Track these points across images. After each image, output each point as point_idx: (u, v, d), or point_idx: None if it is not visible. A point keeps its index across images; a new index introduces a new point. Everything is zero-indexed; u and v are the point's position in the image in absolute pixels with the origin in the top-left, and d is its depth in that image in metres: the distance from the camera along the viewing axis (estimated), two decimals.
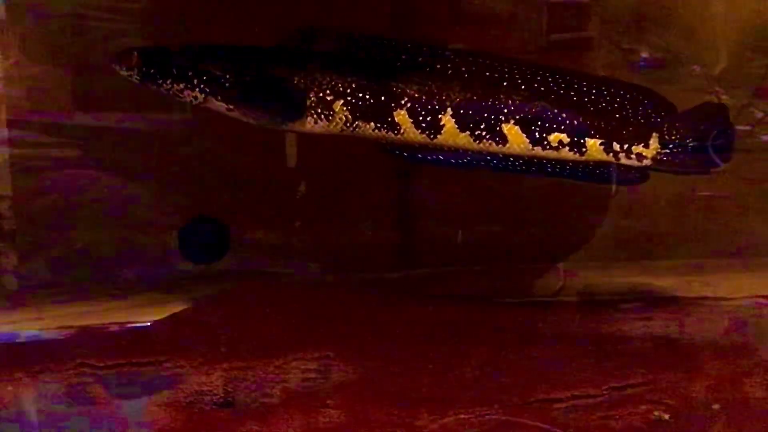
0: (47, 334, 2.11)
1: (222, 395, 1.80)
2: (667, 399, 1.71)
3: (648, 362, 1.86)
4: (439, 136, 2.08)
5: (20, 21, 2.34)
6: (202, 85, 2.08)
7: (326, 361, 1.91)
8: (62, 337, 2.08)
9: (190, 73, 2.08)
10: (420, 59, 2.11)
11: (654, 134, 2.06)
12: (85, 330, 2.10)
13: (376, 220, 2.51)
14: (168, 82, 2.09)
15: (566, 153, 2.08)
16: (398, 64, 2.10)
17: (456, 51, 2.14)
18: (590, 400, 1.72)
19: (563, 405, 1.70)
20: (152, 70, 2.09)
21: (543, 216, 2.51)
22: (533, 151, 2.09)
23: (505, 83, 2.09)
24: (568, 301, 2.28)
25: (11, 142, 2.37)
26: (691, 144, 2.06)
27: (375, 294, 2.24)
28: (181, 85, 2.09)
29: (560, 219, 2.52)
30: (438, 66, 2.11)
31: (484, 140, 2.08)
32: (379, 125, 2.08)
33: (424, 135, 2.08)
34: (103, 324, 2.13)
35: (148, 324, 2.10)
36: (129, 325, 2.12)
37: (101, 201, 2.40)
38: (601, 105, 2.09)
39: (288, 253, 2.46)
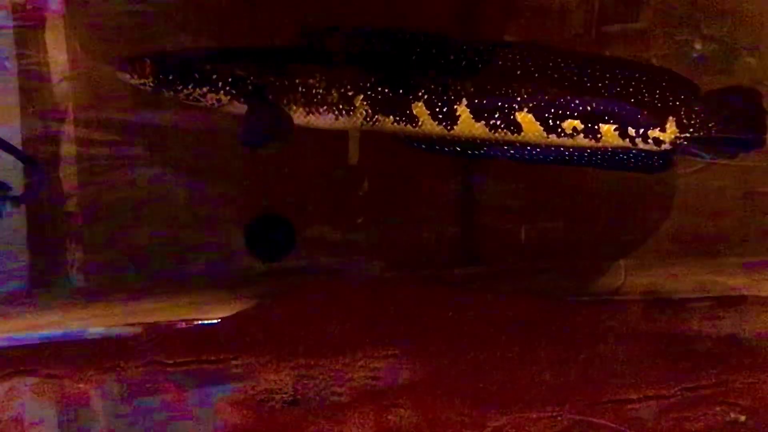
0: (116, 331, 2.13)
1: (292, 393, 1.81)
2: (741, 400, 1.69)
3: (720, 362, 1.84)
4: (455, 127, 2.08)
5: (83, 16, 2.36)
6: (227, 87, 2.09)
7: (394, 360, 1.91)
8: (131, 334, 2.10)
9: (214, 76, 2.09)
10: (434, 51, 2.11)
11: (671, 117, 2.03)
12: (153, 327, 2.11)
13: (437, 216, 2.50)
14: (190, 87, 2.10)
15: (581, 140, 2.06)
16: (413, 56, 2.11)
17: (468, 41, 2.13)
18: (663, 401, 1.70)
19: (636, 405, 1.69)
20: (171, 77, 2.10)
21: (606, 212, 2.49)
22: (548, 139, 2.07)
23: (518, 71, 2.08)
24: (635, 299, 2.26)
25: (78, 140, 2.40)
26: (714, 128, 2.03)
27: (440, 291, 2.23)
28: (204, 89, 2.09)
29: (623, 215, 2.50)
30: (452, 57, 2.11)
31: (500, 129, 2.08)
32: (397, 118, 2.10)
33: (441, 126, 2.09)
34: (172, 321, 2.14)
35: (216, 321, 2.12)
36: (197, 323, 2.14)
37: (167, 198, 2.42)
38: (616, 89, 2.06)
39: (351, 250, 2.47)
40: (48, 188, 2.33)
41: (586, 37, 2.40)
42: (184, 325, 2.13)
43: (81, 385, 1.87)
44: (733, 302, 2.19)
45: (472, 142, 2.11)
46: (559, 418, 1.65)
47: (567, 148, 2.09)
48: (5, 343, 2.07)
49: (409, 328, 2.02)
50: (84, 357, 1.96)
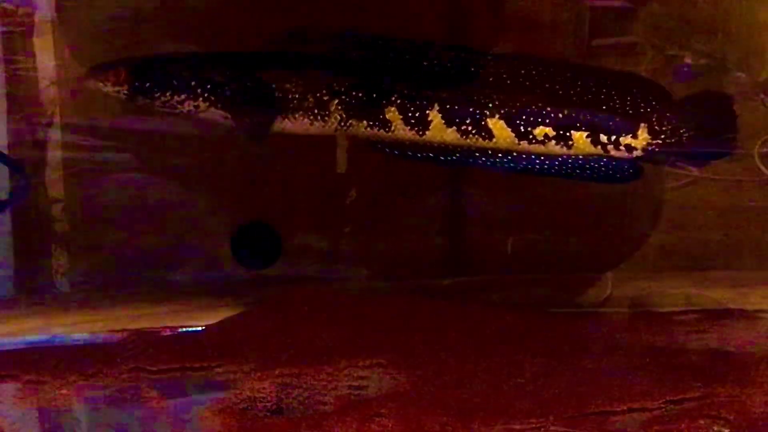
0: (100, 337, 2.12)
1: (275, 402, 1.80)
2: (725, 413, 1.68)
3: (704, 375, 1.83)
4: (427, 132, 2.08)
5: (70, 22, 2.35)
6: (206, 94, 2.07)
7: (378, 369, 1.90)
8: (115, 340, 2.08)
9: (193, 83, 2.07)
10: (407, 56, 2.11)
11: (642, 124, 2.03)
12: (137, 333, 2.10)
13: (425, 226, 2.50)
14: (168, 93, 2.07)
15: (553, 147, 2.06)
16: (387, 61, 2.11)
17: (442, 47, 2.13)
18: (647, 414, 1.70)
19: (620, 418, 1.69)
20: (148, 84, 2.07)
21: (593, 224, 2.49)
22: (520, 146, 2.07)
23: (490, 77, 2.09)
24: (620, 311, 2.25)
25: (64, 146, 2.39)
26: (685, 135, 2.03)
27: (426, 301, 2.22)
28: (182, 96, 2.08)
29: (610, 227, 2.50)
30: (425, 62, 2.11)
31: (471, 135, 2.08)
32: (371, 123, 2.09)
33: (413, 132, 2.08)
34: (156, 328, 2.13)
35: (200, 329, 2.11)
36: (181, 330, 2.13)
37: (152, 205, 2.41)
38: (587, 95, 2.07)
39: (337, 259, 2.46)
40: (33, 193, 2.32)
41: (576, 50, 2.40)
42: (168, 332, 2.13)
43: (63, 391, 1.86)
44: (719, 315, 2.19)
45: (443, 149, 2.11)
46: (542, 429, 1.65)
47: (538, 156, 2.09)
48: None
49: (395, 338, 2.02)
50: (67, 363, 1.95)
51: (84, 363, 1.94)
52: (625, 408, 1.71)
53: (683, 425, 1.65)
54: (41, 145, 2.38)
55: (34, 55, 2.34)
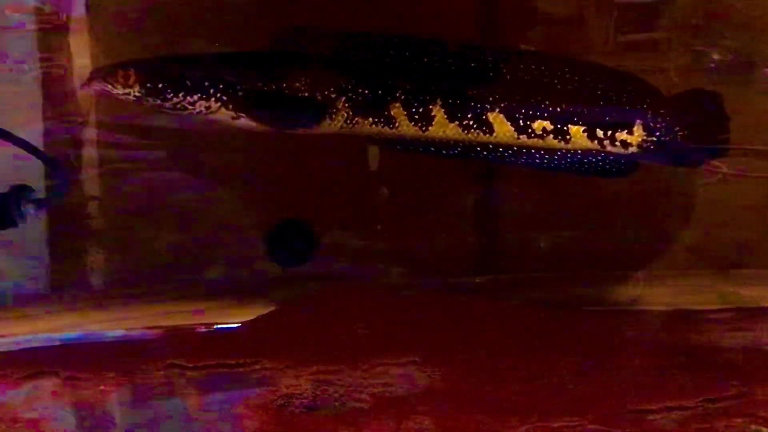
0: (135, 334, 2.14)
1: (311, 399, 1.81)
2: (762, 412, 1.68)
3: (741, 374, 1.83)
4: (430, 128, 2.09)
5: (103, 20, 2.37)
6: (218, 94, 2.07)
7: (413, 367, 1.91)
8: (151, 337, 2.11)
9: (206, 83, 2.07)
10: (410, 53, 2.12)
11: (638, 121, 2.05)
12: (173, 330, 2.12)
13: (457, 223, 2.50)
14: (180, 95, 2.07)
15: (551, 140, 2.08)
16: (390, 58, 2.12)
17: (443, 43, 2.14)
18: (684, 412, 1.70)
19: (657, 416, 1.69)
20: (161, 85, 2.07)
21: (626, 221, 2.49)
22: (519, 140, 2.09)
23: (490, 72, 2.10)
24: (654, 310, 2.25)
25: (100, 143, 2.41)
26: (680, 133, 2.05)
27: (459, 299, 2.23)
28: (195, 97, 2.07)
29: (644, 225, 2.50)
30: (427, 58, 2.12)
31: (473, 130, 2.09)
32: (376, 120, 2.10)
33: (416, 127, 2.09)
34: (191, 325, 2.15)
35: (235, 326, 2.12)
36: (216, 327, 2.15)
37: (186, 202, 2.42)
38: (585, 91, 2.09)
39: (370, 256, 2.47)
40: (70, 191, 2.34)
41: (603, 46, 2.40)
42: (203, 329, 2.14)
43: (101, 387, 1.88)
44: (755, 314, 2.18)
45: (445, 143, 2.12)
46: (579, 427, 1.65)
47: (537, 150, 2.11)
48: (26, 345, 2.09)
49: (429, 336, 2.02)
50: (104, 359, 1.97)
51: (121, 360, 1.96)
52: (661, 406, 1.71)
53: (720, 424, 1.65)
54: (77, 143, 2.40)
55: (69, 54, 2.36)
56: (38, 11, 2.36)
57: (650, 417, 1.68)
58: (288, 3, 2.33)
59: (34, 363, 1.95)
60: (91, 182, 2.41)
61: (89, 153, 2.40)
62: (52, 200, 2.28)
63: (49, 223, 2.40)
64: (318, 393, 1.83)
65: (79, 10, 2.36)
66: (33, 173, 2.30)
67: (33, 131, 2.33)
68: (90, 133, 2.40)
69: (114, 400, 1.87)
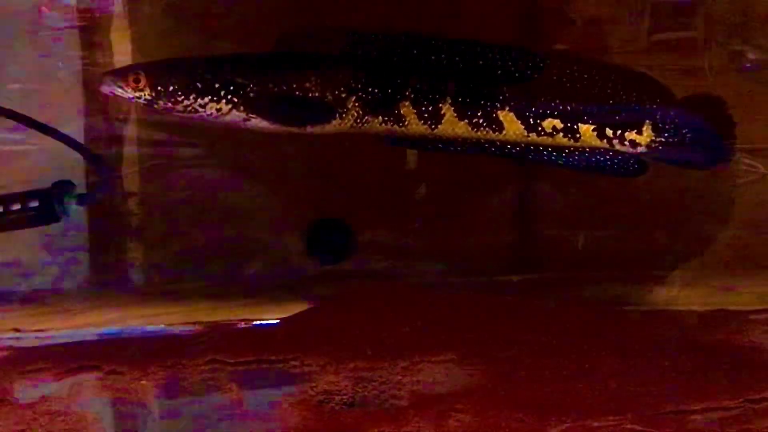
0: (176, 329, 2.16)
1: (351, 395, 1.82)
2: None
3: None
4: (439, 126, 2.10)
5: (140, 17, 2.39)
6: (229, 96, 2.07)
7: (452, 365, 1.91)
8: (191, 333, 2.12)
9: (216, 85, 2.07)
10: (418, 51, 2.12)
11: (647, 121, 2.06)
12: (213, 326, 2.14)
13: (494, 222, 2.50)
14: (191, 97, 2.06)
15: (561, 139, 2.09)
16: (399, 56, 2.12)
17: (451, 41, 2.14)
18: (725, 413, 1.69)
19: (698, 417, 1.68)
20: (171, 88, 2.07)
21: (663, 221, 2.48)
22: (529, 138, 2.10)
23: (499, 70, 2.10)
24: (693, 310, 2.24)
25: (140, 140, 2.43)
26: (688, 135, 2.07)
27: (498, 297, 2.23)
28: (206, 99, 2.07)
29: (681, 224, 2.49)
30: (435, 56, 2.12)
31: (482, 128, 2.10)
32: (386, 118, 2.11)
33: (425, 126, 2.10)
34: (231, 321, 2.17)
35: (275, 322, 2.13)
36: (256, 323, 2.16)
37: (226, 199, 2.44)
38: (595, 90, 2.10)
39: (407, 254, 2.48)
40: (111, 187, 2.36)
41: (637, 45, 2.39)
42: (243, 325, 2.16)
43: (143, 382, 1.89)
44: None
45: (453, 141, 2.13)
46: (619, 427, 1.65)
47: (546, 148, 2.12)
48: (69, 340, 2.11)
49: (467, 334, 2.02)
50: (145, 354, 1.98)
51: (162, 354, 1.97)
52: (702, 407, 1.70)
53: (762, 425, 1.64)
54: (117, 140, 2.42)
55: (111, 51, 2.38)
56: (78, 9, 2.39)
57: (691, 417, 1.68)
58: (322, 2, 2.35)
59: (75, 357, 1.96)
60: (131, 179, 2.43)
61: (129, 150, 2.43)
62: (93, 196, 2.31)
63: (89, 219, 2.43)
64: (357, 390, 1.83)
65: (118, 7, 2.39)
66: (75, 169, 2.34)
67: (74, 128, 2.36)
68: (130, 130, 2.42)
69: (155, 394, 1.89)
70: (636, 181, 2.35)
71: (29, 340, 2.12)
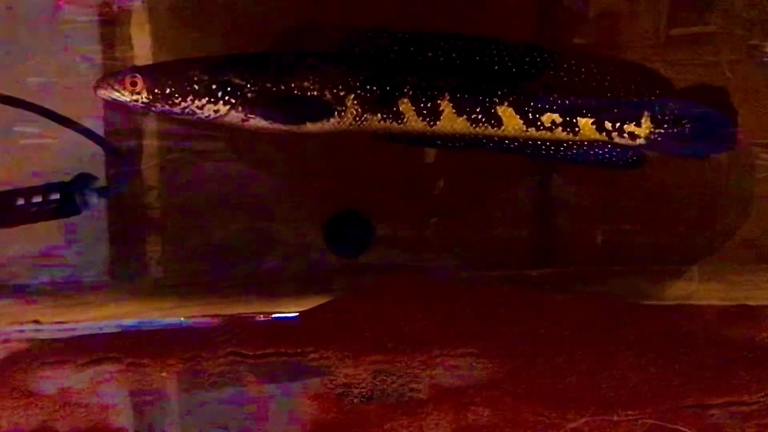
0: (195, 322, 2.17)
1: (370, 388, 1.82)
2: None
3: None
4: (438, 123, 2.09)
5: (167, 10, 2.40)
6: (226, 97, 2.06)
7: (471, 358, 1.91)
8: (211, 326, 2.13)
9: (213, 86, 2.05)
10: (416, 48, 2.12)
11: (646, 113, 2.06)
12: (232, 319, 2.15)
13: (513, 216, 2.50)
14: (188, 99, 2.05)
15: (560, 133, 2.09)
16: (397, 54, 2.11)
17: (448, 36, 2.13)
18: (745, 408, 1.69)
19: (717, 412, 1.68)
20: (168, 90, 2.05)
21: (682, 215, 2.48)
22: (528, 133, 2.09)
23: (496, 65, 2.10)
24: (711, 304, 2.24)
25: (159, 134, 2.44)
26: (687, 125, 2.06)
27: (517, 291, 2.24)
28: (203, 101, 2.05)
29: (700, 219, 2.48)
30: (432, 53, 2.11)
31: (481, 124, 2.09)
32: (384, 116, 2.10)
33: (424, 122, 2.10)
34: (250, 314, 2.18)
35: (294, 315, 2.14)
36: (275, 316, 2.17)
37: (245, 193, 2.45)
38: (593, 83, 2.09)
39: (426, 248, 2.48)
40: (131, 180, 2.37)
41: (654, 39, 2.39)
42: (262, 318, 2.17)
43: (163, 374, 1.90)
44: None
45: (451, 137, 2.13)
46: (640, 421, 1.65)
47: (544, 142, 2.11)
48: (89, 331, 2.12)
49: (487, 328, 2.03)
50: (165, 347, 2.00)
51: (182, 347, 1.98)
52: (722, 402, 1.70)
53: None
54: (137, 133, 2.43)
55: (131, 44, 2.39)
56: (97, 3, 2.39)
57: (711, 412, 1.67)
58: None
59: (96, 349, 1.98)
60: (150, 172, 2.44)
61: (149, 143, 2.43)
62: (114, 189, 2.32)
63: (108, 212, 2.44)
64: (376, 383, 1.84)
65: (137, 1, 2.40)
66: (95, 162, 2.35)
67: (95, 121, 2.37)
68: (150, 123, 2.43)
69: (175, 386, 1.90)
70: (655, 175, 2.36)
71: (49, 331, 2.14)
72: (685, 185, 2.43)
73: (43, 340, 2.08)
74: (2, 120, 2.32)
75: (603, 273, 2.42)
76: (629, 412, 1.67)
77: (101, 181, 2.26)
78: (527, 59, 2.11)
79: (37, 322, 2.17)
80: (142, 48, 2.39)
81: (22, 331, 2.13)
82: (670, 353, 1.91)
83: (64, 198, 2.17)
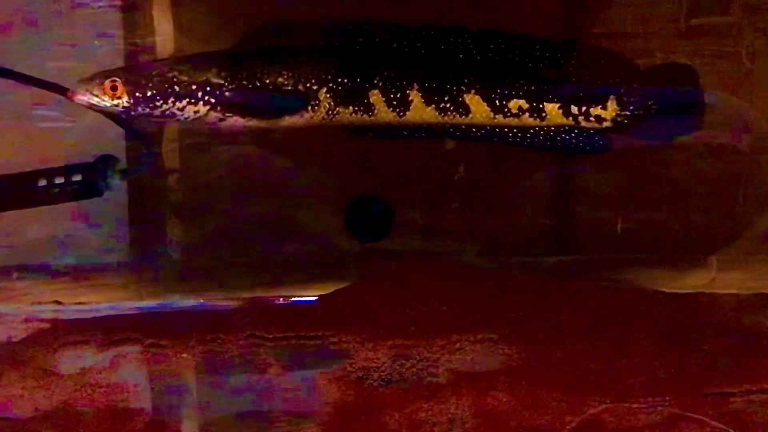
0: (216, 304, 2.18)
1: (389, 372, 1.83)
2: None
3: None
4: (407, 113, 2.09)
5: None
6: (206, 97, 2.03)
7: (490, 344, 1.92)
8: (231, 308, 2.14)
9: (193, 87, 2.02)
10: (380, 38, 2.11)
11: (612, 96, 2.05)
12: (252, 302, 2.15)
13: (532, 203, 2.50)
14: (169, 101, 2.01)
15: (527, 119, 2.09)
16: (365, 45, 2.11)
17: (413, 27, 2.12)
18: (765, 396, 1.69)
19: (737, 399, 1.68)
20: (149, 93, 2.01)
21: (701, 204, 2.47)
22: (495, 120, 2.09)
23: (461, 53, 2.10)
24: (730, 293, 2.23)
25: None
26: (653, 106, 2.05)
27: (537, 278, 2.24)
28: (184, 102, 2.02)
29: (720, 208, 2.48)
30: (397, 43, 2.11)
31: (449, 113, 2.09)
32: (356, 108, 2.09)
33: (394, 113, 2.09)
34: (270, 297, 2.18)
35: (313, 299, 2.15)
36: (294, 300, 2.17)
37: (265, 176, 2.45)
38: (559, 68, 2.09)
39: (445, 234, 2.48)
40: (153, 163, 2.38)
41: (674, 29, 2.38)
42: (282, 301, 2.17)
43: (183, 355, 1.91)
44: None
45: (420, 127, 2.13)
46: (659, 408, 1.65)
47: (512, 128, 2.11)
48: (109, 313, 2.14)
49: (506, 314, 2.03)
50: (185, 328, 2.01)
51: (202, 329, 1.99)
52: (742, 390, 1.70)
53: None
54: None
55: (153, 29, 2.39)
56: None
57: (730, 400, 1.67)
58: None
59: (116, 330, 2.00)
60: (171, 155, 2.45)
61: (170, 126, 2.44)
62: (136, 171, 2.32)
63: (129, 195, 2.45)
64: (395, 367, 1.84)
65: None
66: (116, 144, 2.35)
67: None
68: None
69: (195, 368, 1.91)
70: (673, 164, 2.36)
71: (70, 312, 2.15)
72: (704, 174, 2.42)
73: (64, 321, 2.10)
74: (22, 103, 2.33)
75: (622, 261, 2.42)
76: (649, 400, 1.67)
77: (123, 163, 2.27)
78: (491, 46, 2.11)
79: (58, 302, 2.18)
80: (164, 33, 2.40)
81: (43, 311, 2.14)
82: (689, 341, 1.91)
83: (87, 179, 2.18)
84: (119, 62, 2.38)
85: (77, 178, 2.18)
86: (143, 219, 2.47)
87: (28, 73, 2.20)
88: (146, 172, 2.38)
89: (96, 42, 2.38)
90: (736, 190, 2.46)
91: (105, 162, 2.21)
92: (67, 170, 2.19)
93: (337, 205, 2.45)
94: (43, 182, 2.17)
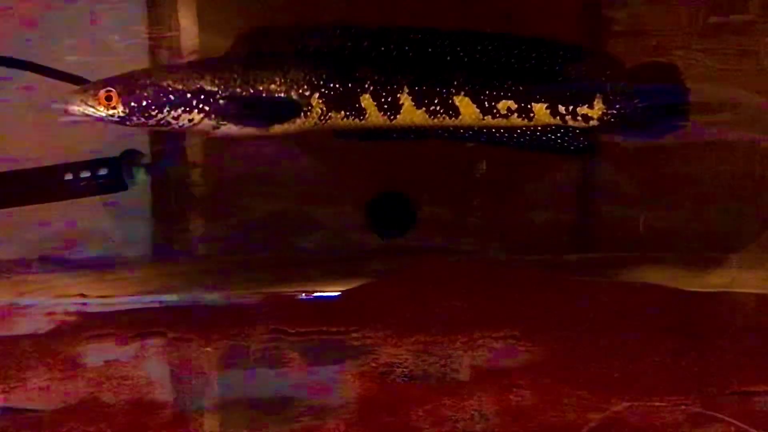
0: (238, 299, 2.19)
1: (412, 368, 1.83)
2: None
3: None
4: (398, 116, 2.09)
5: None
6: (201, 105, 2.02)
7: (513, 341, 1.92)
8: (253, 303, 2.15)
9: (188, 95, 2.01)
10: (370, 42, 2.11)
11: (598, 94, 2.06)
12: (274, 297, 2.16)
13: (554, 201, 2.50)
14: (165, 110, 2.00)
15: (515, 119, 2.09)
16: (355, 50, 2.10)
17: (402, 30, 2.12)
18: None
19: (760, 399, 1.68)
20: (144, 103, 1.99)
21: (724, 203, 2.47)
22: (484, 121, 2.10)
23: (449, 56, 2.10)
24: (751, 293, 2.23)
25: None
26: (638, 104, 2.06)
27: (558, 275, 2.24)
28: (179, 111, 2.01)
29: (741, 207, 2.47)
30: (386, 47, 2.11)
31: (439, 115, 2.09)
32: (347, 113, 2.08)
33: (385, 117, 2.09)
34: (292, 292, 2.19)
35: (335, 295, 2.16)
36: (317, 295, 2.18)
37: (288, 172, 2.46)
38: (545, 68, 2.09)
39: (467, 231, 2.48)
40: (177, 158, 2.39)
41: (692, 27, 2.37)
42: (304, 296, 2.18)
43: (207, 349, 1.93)
44: None
45: (409, 129, 2.13)
46: (683, 407, 1.65)
47: (499, 129, 2.12)
48: (133, 306, 2.15)
49: (528, 311, 2.03)
50: (208, 323, 2.02)
51: (225, 323, 2.00)
52: (765, 389, 1.69)
53: None
54: None
55: (178, 24, 2.40)
56: None
57: (755, 399, 1.67)
58: None
59: (140, 323, 2.01)
60: (194, 150, 2.46)
61: None
62: (161, 166, 2.34)
63: (152, 189, 2.46)
64: (418, 363, 1.85)
65: None
66: (140, 139, 2.37)
67: None
68: None
69: (218, 362, 1.92)
70: (695, 162, 2.35)
71: (95, 305, 2.16)
72: (726, 174, 2.42)
73: (89, 314, 2.11)
74: (42, 97, 2.34)
75: (643, 259, 2.42)
76: (672, 398, 1.67)
77: (148, 158, 2.29)
78: (479, 48, 2.11)
79: (82, 295, 2.20)
80: (188, 28, 2.41)
81: (68, 304, 2.16)
82: (711, 340, 1.91)
83: (112, 173, 2.20)
84: (143, 57, 2.40)
85: (103, 172, 2.20)
86: (167, 213, 2.48)
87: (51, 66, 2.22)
88: (170, 167, 2.40)
89: (116, 37, 2.39)
90: (755, 189, 2.45)
91: (130, 156, 2.23)
92: (93, 164, 2.21)
93: (359, 201, 2.46)
94: (69, 176, 2.19)
